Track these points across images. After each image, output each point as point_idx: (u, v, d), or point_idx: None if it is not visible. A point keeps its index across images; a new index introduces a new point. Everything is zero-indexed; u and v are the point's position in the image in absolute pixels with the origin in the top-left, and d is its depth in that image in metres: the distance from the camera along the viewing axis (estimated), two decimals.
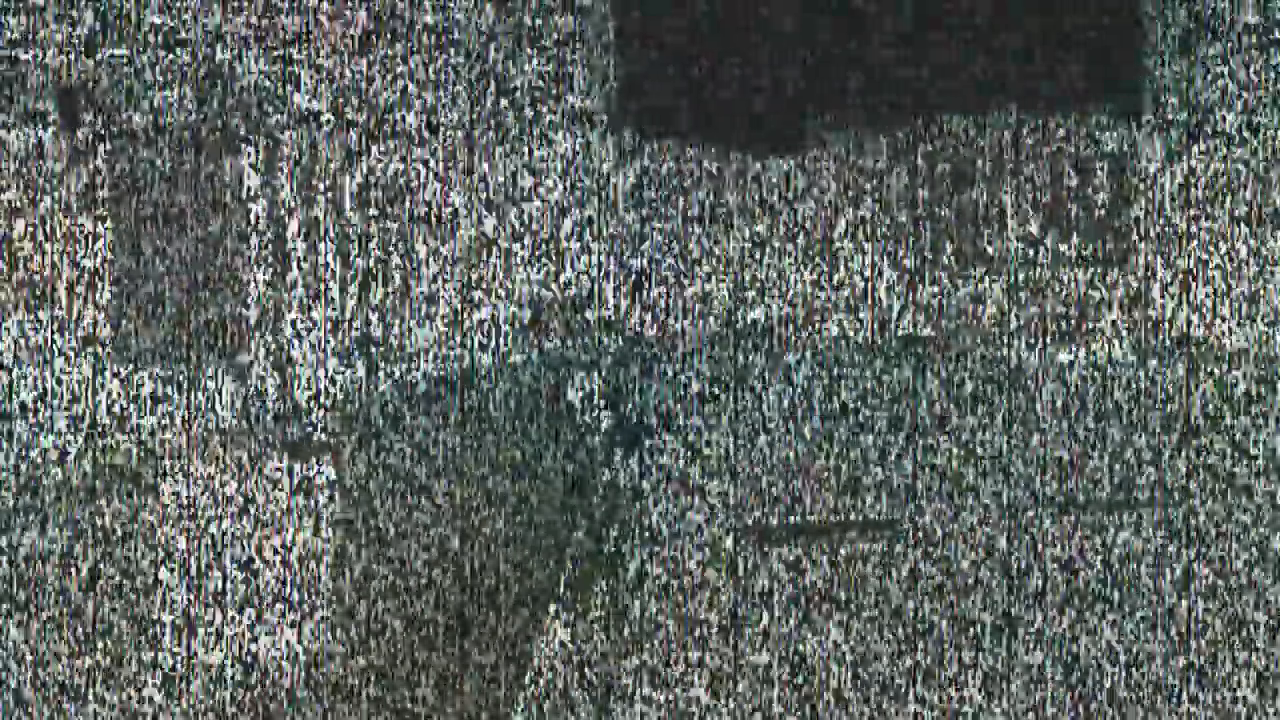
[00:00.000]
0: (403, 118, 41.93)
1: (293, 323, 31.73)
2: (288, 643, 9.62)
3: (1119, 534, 16.03)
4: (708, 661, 10.22)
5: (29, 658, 9.75)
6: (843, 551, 15.10)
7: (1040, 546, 15.22)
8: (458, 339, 39.08)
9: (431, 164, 44.71)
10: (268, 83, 29.03)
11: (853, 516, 16.84)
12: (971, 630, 11.19)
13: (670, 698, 9.36)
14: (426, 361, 42.38)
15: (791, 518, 16.81)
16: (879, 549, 15.22)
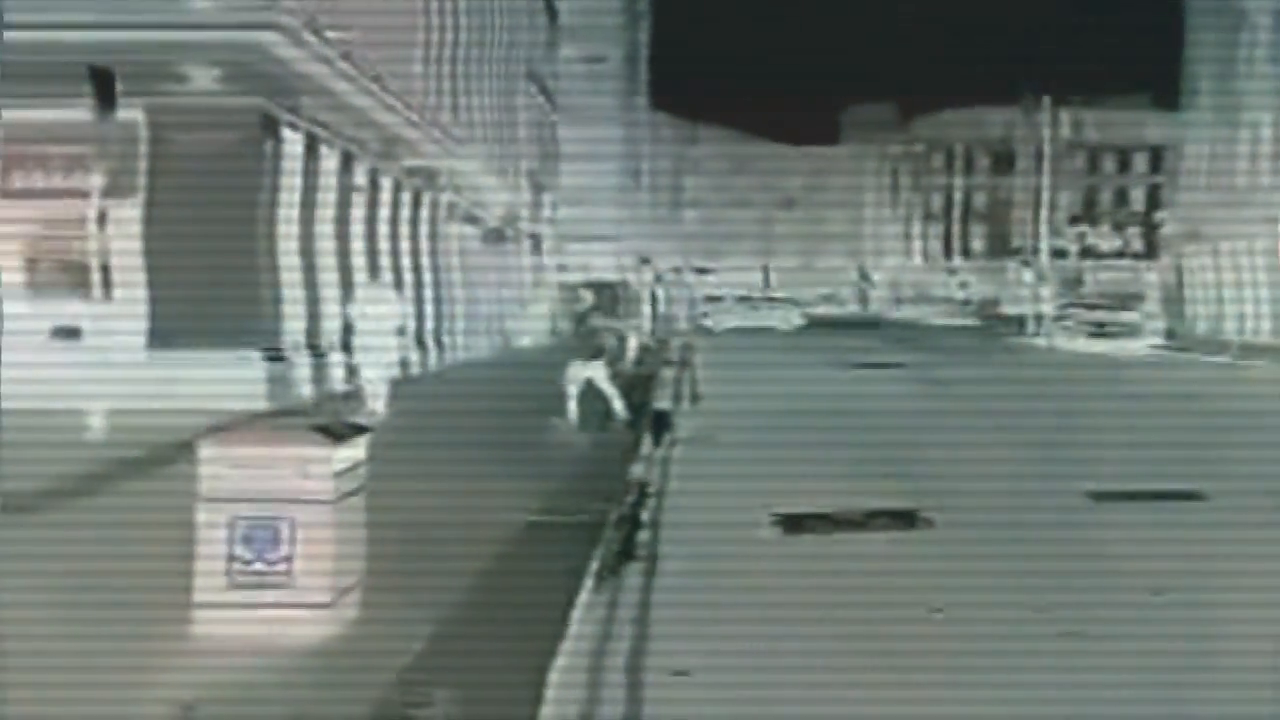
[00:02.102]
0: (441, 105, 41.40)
1: (331, 309, 31.58)
2: (320, 625, 9.67)
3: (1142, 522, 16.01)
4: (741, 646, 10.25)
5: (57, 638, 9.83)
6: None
7: (1074, 535, 15.21)
8: (494, 325, 38.45)
9: (469, 153, 44.32)
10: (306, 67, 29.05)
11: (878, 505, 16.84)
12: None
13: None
14: (463, 349, 41.86)
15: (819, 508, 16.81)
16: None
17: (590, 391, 25.33)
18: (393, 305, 29.17)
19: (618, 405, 25.20)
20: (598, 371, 25.54)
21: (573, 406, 25.02)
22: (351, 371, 29.68)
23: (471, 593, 11.43)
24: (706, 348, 56.26)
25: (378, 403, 26.42)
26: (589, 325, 27.12)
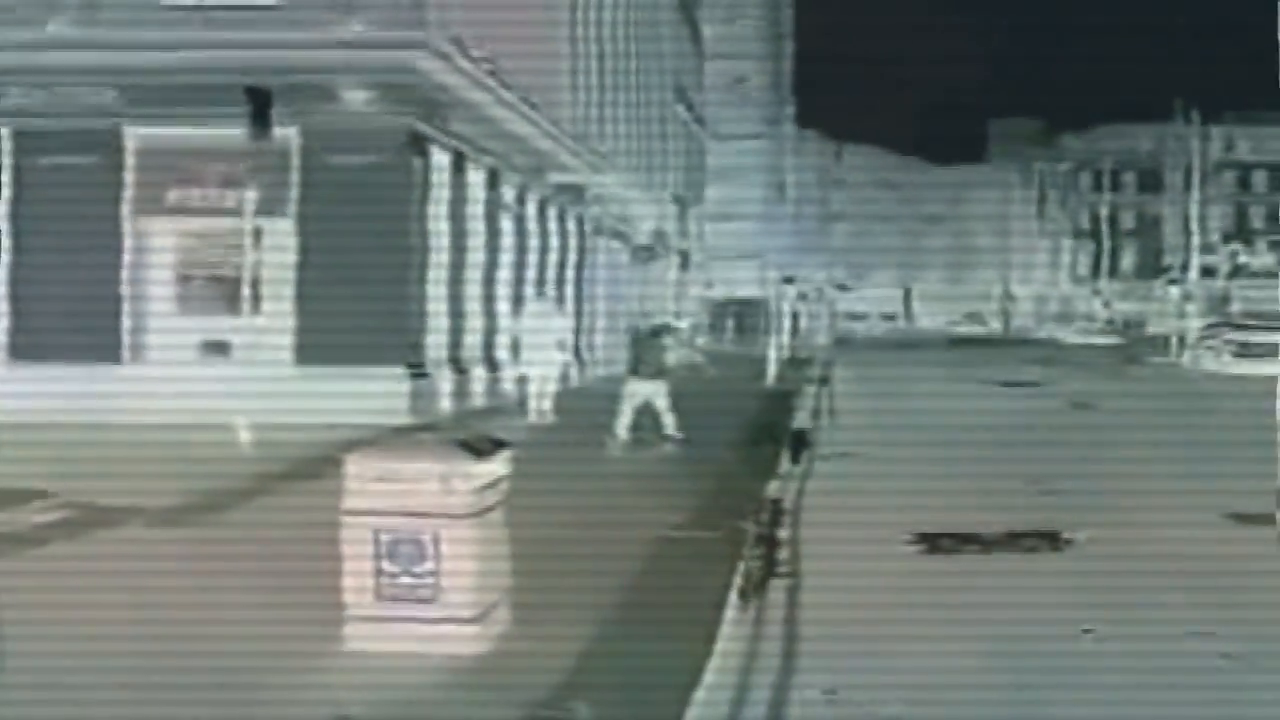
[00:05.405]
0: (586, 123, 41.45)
1: (474, 325, 31.79)
2: (466, 639, 9.74)
3: None
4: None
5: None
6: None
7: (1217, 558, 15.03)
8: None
9: (616, 170, 44.42)
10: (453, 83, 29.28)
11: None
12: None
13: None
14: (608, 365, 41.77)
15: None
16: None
17: (646, 408, 25.07)
18: (557, 320, 29.95)
19: (668, 420, 24.93)
20: (659, 390, 25.20)
21: (623, 422, 24.77)
22: (495, 384, 30.12)
23: (617, 609, 11.50)
24: (845, 364, 56.17)
25: (542, 411, 27.17)
26: (656, 347, 26.66)
